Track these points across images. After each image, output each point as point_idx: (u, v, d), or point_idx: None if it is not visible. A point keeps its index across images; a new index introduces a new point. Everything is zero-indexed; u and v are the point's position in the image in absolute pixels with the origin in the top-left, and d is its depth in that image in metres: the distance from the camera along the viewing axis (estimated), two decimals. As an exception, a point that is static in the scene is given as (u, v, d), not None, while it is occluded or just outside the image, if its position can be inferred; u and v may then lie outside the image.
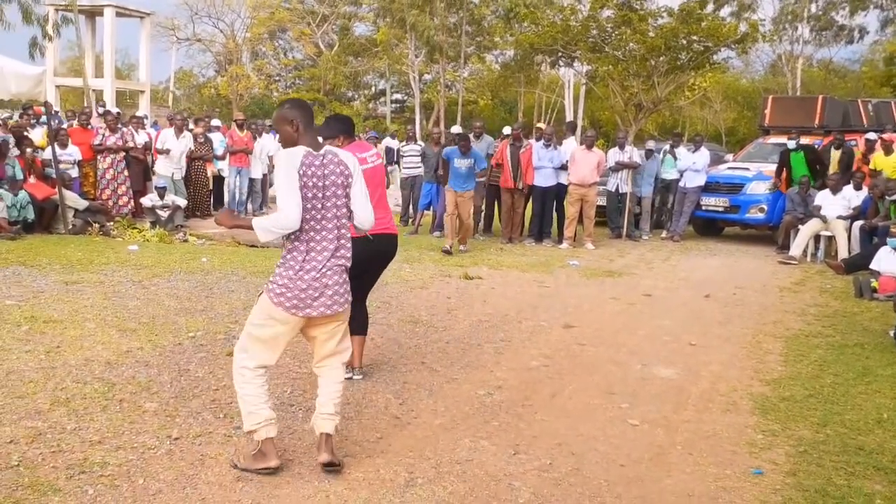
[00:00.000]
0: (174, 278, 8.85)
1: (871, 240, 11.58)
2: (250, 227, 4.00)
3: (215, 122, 15.88)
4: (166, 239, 11.78)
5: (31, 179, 11.84)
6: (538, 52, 24.69)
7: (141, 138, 14.01)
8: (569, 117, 32.67)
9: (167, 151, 13.33)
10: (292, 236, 3.98)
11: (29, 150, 12.12)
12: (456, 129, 16.21)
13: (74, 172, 12.85)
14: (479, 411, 5.14)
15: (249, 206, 15.37)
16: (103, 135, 13.20)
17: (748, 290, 10.05)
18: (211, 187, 14.96)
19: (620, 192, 14.66)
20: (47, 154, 12.19)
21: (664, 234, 15.32)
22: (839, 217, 12.47)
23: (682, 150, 15.34)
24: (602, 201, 14.59)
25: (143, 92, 33.80)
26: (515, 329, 7.45)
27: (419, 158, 14.86)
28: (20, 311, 6.92)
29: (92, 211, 12.17)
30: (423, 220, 14.55)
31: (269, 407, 4.08)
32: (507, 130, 15.52)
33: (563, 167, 13.48)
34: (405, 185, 15.69)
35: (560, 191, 13.73)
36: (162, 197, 12.65)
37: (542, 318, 7.92)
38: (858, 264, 10.87)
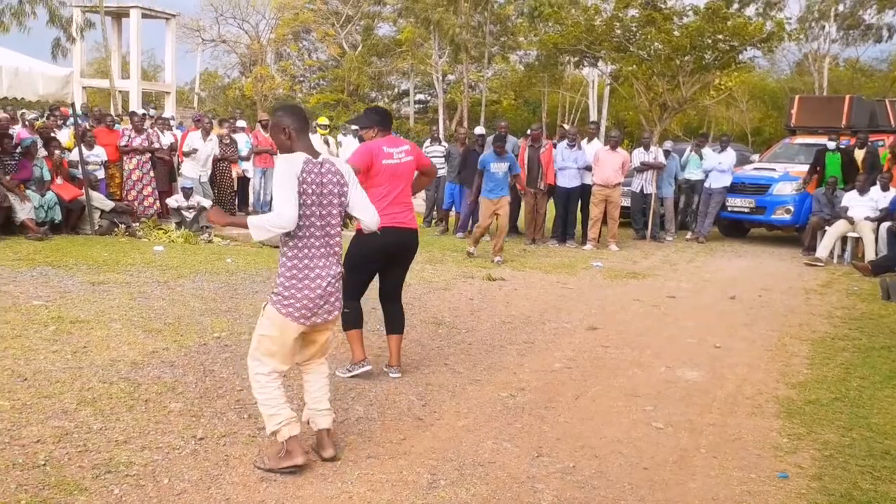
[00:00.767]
0: (199, 279, 8.91)
1: (899, 241, 11.47)
2: (244, 226, 4.07)
3: (240, 122, 15.97)
4: (191, 240, 11.85)
5: (59, 180, 11.95)
6: (562, 51, 24.62)
7: (167, 139, 14.12)
8: (592, 117, 32.53)
9: (194, 151, 13.41)
10: (290, 242, 4.03)
11: (56, 151, 12.24)
12: (479, 129, 16.16)
13: (101, 173, 12.97)
14: (502, 413, 5.13)
15: (273, 207, 15.43)
16: (129, 136, 13.32)
17: (774, 291, 9.98)
18: (236, 188, 15.05)
19: (645, 192, 14.59)
20: (74, 155, 12.31)
21: (689, 235, 15.24)
22: (866, 218, 12.34)
23: (707, 151, 15.25)
24: (626, 202, 14.52)
25: (168, 93, 34.06)
26: (539, 331, 7.44)
27: (443, 159, 14.81)
28: (47, 311, 7.00)
29: (118, 212, 12.28)
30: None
31: (289, 406, 4.13)
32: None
33: (588, 168, 13.43)
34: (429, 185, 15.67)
35: (584, 192, 13.67)
36: (187, 198, 12.74)
37: (565, 320, 7.90)
38: (886, 266, 10.79)
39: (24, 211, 10.97)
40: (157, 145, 13.57)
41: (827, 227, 12.77)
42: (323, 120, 17.51)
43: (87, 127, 13.53)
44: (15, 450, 4.11)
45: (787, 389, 5.86)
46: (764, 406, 5.47)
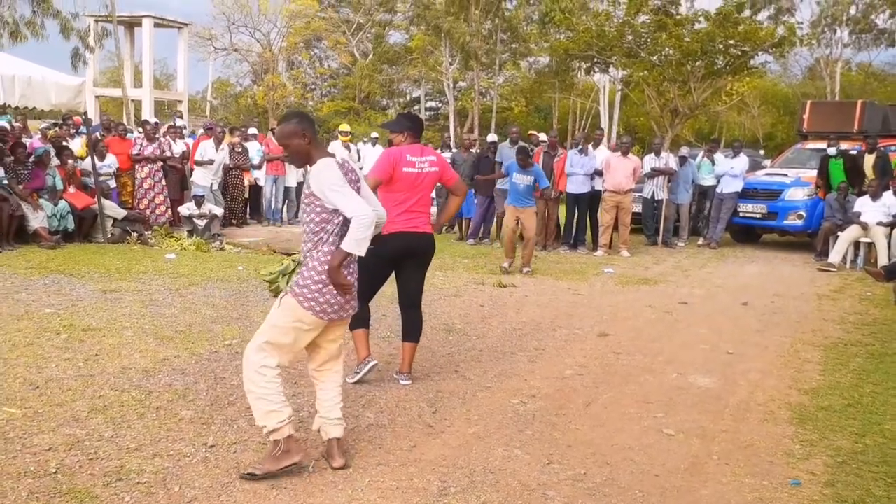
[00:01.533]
0: (210, 287, 8.94)
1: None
2: (346, 255, 4.02)
3: (252, 130, 16.04)
4: (203, 247, 11.89)
5: (71, 189, 12.02)
6: (573, 57, 24.59)
7: (178, 148, 14.18)
8: (603, 123, 32.48)
9: (210, 163, 13.47)
10: (329, 239, 4.05)
11: (69, 160, 12.31)
12: (492, 136, 16.19)
13: (113, 182, 13.03)
14: (512, 420, 5.12)
15: (285, 215, 15.48)
16: (141, 144, 13.38)
17: (786, 297, 9.93)
18: (247, 196, 15.09)
19: (656, 198, 14.56)
20: (86, 164, 12.37)
21: (701, 241, 15.20)
22: (879, 223, 12.28)
23: (719, 156, 15.21)
24: (637, 208, 14.50)
25: (180, 102, 34.17)
26: (549, 337, 7.42)
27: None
28: (59, 319, 7.03)
29: (130, 220, 12.34)
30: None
31: (288, 404, 4.14)
32: (542, 137, 15.51)
33: (598, 173, 13.42)
34: (440, 192, 15.68)
35: (594, 197, 13.65)
36: (199, 206, 12.78)
37: (576, 327, 7.88)
38: (899, 271, 10.69)
39: (36, 219, 11.04)
40: (168, 154, 13.63)
41: (839, 233, 12.72)
42: (345, 126, 17.73)
43: (99, 136, 13.60)
44: (27, 457, 4.13)
45: (799, 396, 5.83)
46: (776, 412, 5.44)
